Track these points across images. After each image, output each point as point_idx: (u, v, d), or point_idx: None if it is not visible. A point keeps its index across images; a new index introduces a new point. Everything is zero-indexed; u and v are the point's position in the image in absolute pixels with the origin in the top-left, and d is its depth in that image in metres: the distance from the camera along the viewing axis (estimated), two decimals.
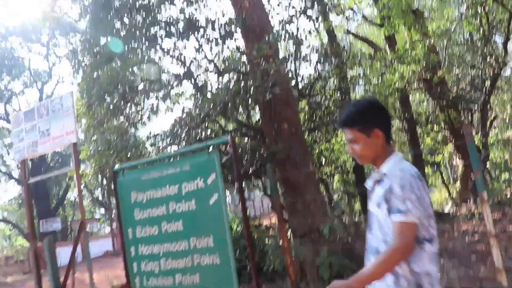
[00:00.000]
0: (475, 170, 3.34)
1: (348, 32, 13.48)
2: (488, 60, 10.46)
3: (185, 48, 8.61)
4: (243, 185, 9.17)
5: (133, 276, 4.99)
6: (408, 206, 1.92)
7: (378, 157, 2.13)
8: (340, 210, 8.93)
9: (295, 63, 8.03)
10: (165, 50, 8.29)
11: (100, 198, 32.77)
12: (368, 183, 2.22)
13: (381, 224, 2.04)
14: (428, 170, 13.83)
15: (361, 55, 8.95)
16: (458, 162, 11.94)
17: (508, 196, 10.03)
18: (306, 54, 8.07)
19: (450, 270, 4.63)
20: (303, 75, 9.11)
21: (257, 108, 7.52)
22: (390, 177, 2.03)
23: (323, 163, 10.83)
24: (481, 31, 10.30)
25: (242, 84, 6.55)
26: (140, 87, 7.43)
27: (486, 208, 3.31)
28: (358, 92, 11.45)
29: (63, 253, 11.15)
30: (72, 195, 34.52)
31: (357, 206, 11.27)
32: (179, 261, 4.59)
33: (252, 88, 5.97)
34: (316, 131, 9.57)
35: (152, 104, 7.96)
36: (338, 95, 9.78)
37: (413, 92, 12.65)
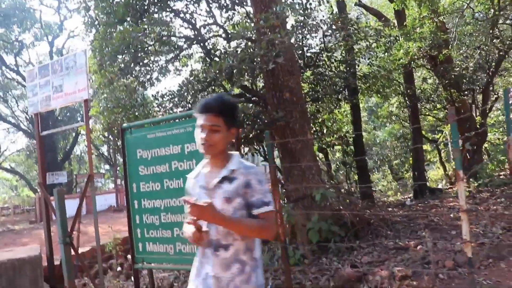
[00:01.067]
0: (454, 150, 3.62)
1: (359, 3, 13.43)
2: (494, 41, 10.55)
3: (196, 12, 8.71)
4: (245, 149, 9.53)
5: (135, 227, 5.37)
6: (270, 197, 2.17)
7: (223, 152, 2.23)
8: (336, 179, 9.23)
9: (302, 33, 8.20)
10: (177, 11, 8.46)
11: (106, 154, 33.31)
12: (208, 180, 2.23)
13: None
14: (427, 147, 14.10)
15: (369, 29, 9.07)
16: (459, 141, 12.15)
17: (502, 177, 10.33)
18: (314, 25, 8.23)
19: (429, 242, 4.96)
20: (309, 45, 9.22)
21: (262, 75, 7.74)
22: (244, 173, 2.16)
23: (325, 132, 11.11)
24: (491, 12, 10.33)
25: (249, 51, 6.76)
26: (151, 48, 7.65)
27: (460, 185, 3.60)
28: (363, 65, 11.56)
29: (69, 206, 11.56)
30: (79, 149, 35.11)
31: (353, 176, 11.61)
32: (178, 216, 4.94)
33: (257, 57, 6.19)
34: (320, 101, 9.78)
35: (161, 65, 8.20)
36: (343, 67, 9.94)
37: (417, 69, 12.75)
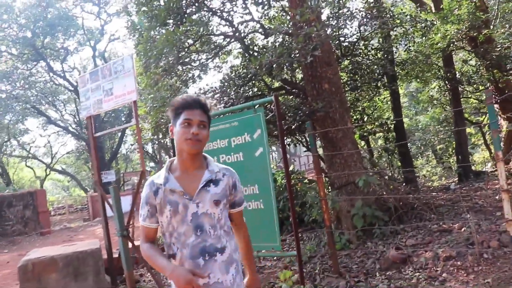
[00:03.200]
0: (493, 131, 3.72)
1: None
2: None
3: (232, 9, 8.96)
4: (288, 140, 9.75)
5: None
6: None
7: (201, 152, 2.21)
8: (378, 165, 9.33)
9: (338, 24, 8.33)
10: (214, 10, 8.75)
11: (150, 152, 34.25)
12: (188, 185, 2.14)
13: (216, 222, 2.14)
14: (470, 130, 13.85)
15: (404, 15, 9.07)
16: (502, 122, 11.94)
17: None
18: (349, 15, 8.34)
19: (472, 223, 5.05)
20: (346, 35, 9.31)
21: (300, 67, 7.91)
22: (228, 175, 2.23)
23: (365, 120, 11.18)
24: None
25: (286, 46, 6.97)
26: (192, 48, 7.97)
27: (500, 166, 3.71)
28: (401, 51, 11.51)
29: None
30: (124, 148, 36.25)
31: (396, 162, 11.62)
32: None
33: (295, 51, 6.39)
34: (359, 89, 9.87)
35: (202, 62, 8.51)
36: (381, 54, 9.97)
37: (457, 51, 12.55)
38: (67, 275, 6.38)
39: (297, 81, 9.11)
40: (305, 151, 10.42)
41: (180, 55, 7.35)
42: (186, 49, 7.65)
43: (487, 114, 14.22)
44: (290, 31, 7.15)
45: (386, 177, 7.83)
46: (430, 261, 4.82)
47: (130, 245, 6.93)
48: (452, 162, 14.29)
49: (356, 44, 9.25)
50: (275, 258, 6.67)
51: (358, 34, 9.12)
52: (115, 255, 7.34)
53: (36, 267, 6.25)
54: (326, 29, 7.21)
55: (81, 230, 18.26)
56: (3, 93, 27.36)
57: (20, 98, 27.06)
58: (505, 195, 3.70)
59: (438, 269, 4.64)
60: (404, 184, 9.57)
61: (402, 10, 9.35)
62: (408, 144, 16.22)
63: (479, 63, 11.73)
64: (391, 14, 8.75)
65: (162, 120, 7.87)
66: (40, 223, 19.09)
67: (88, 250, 6.67)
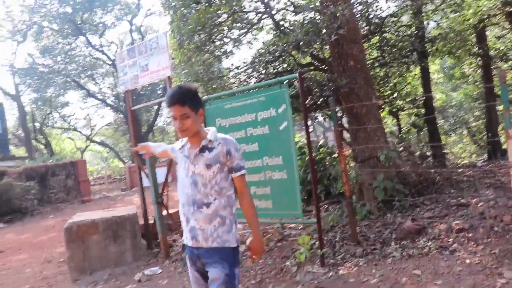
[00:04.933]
0: (505, 110, 3.90)
1: None
2: None
3: None
4: (318, 114, 9.99)
5: None
6: (244, 163, 2.73)
7: (198, 132, 2.66)
8: (404, 141, 9.47)
9: (367, 0, 8.40)
10: None
11: None
12: (191, 151, 2.69)
13: (207, 181, 2.62)
14: (501, 107, 13.61)
15: None
16: None
17: None
18: None
19: (484, 197, 5.24)
20: (375, 12, 9.33)
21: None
22: (223, 143, 2.65)
23: (395, 96, 11.23)
24: None
25: (314, 23, 7.16)
26: (224, 25, 8.26)
27: (510, 143, 3.90)
28: (432, 28, 11.42)
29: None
30: (161, 121, 37.14)
31: (425, 138, 11.68)
32: (255, 176, 5.61)
33: (322, 29, 6.60)
34: (388, 66, 9.93)
35: (235, 38, 8.79)
36: (411, 31, 9.97)
37: (491, 27, 12.33)
38: (107, 237, 6.95)
39: (325, 58, 9.28)
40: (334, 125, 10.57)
41: (211, 32, 7.67)
42: (217, 27, 7.94)
43: None
44: (318, 9, 7.33)
45: (407, 152, 7.98)
46: (443, 232, 5.08)
47: (164, 212, 7.45)
48: (482, 139, 14.19)
49: (385, 20, 9.28)
50: (300, 227, 7.05)
51: (388, 11, 9.17)
52: (151, 222, 7.87)
53: (79, 229, 6.84)
54: (354, 6, 7.37)
55: (119, 199, 19.12)
56: (45, 68, 28.42)
57: (61, 72, 28.09)
58: None
59: (450, 240, 4.90)
60: (431, 160, 9.70)
61: None
62: (441, 120, 16.15)
63: None
64: None
65: None
66: (81, 192, 20.11)
67: (126, 215, 7.22)
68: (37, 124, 33.81)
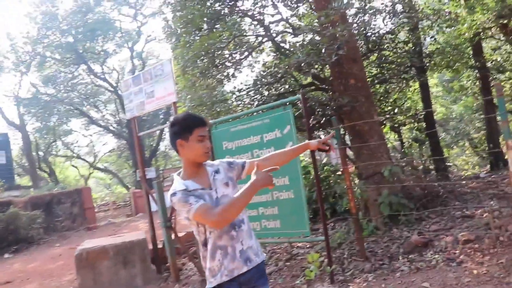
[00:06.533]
0: (503, 121, 4.03)
1: None
2: None
3: (263, 10, 9.41)
4: (321, 133, 10.12)
5: None
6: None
7: None
8: (409, 155, 9.59)
9: (363, 20, 8.62)
10: (245, 11, 9.20)
11: None
12: (203, 180, 2.55)
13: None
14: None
15: (428, 9, 9.25)
16: None
17: None
18: (374, 11, 8.61)
19: (489, 208, 5.34)
20: (372, 30, 9.55)
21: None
22: (220, 163, 2.68)
23: (396, 111, 11.39)
24: None
25: (314, 44, 7.36)
26: (226, 49, 8.48)
27: (510, 154, 4.02)
28: (429, 42, 11.65)
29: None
30: (163, 146, 37.30)
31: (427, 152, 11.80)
32: (262, 196, 5.72)
33: (322, 49, 6.79)
34: (388, 82, 10.11)
35: (236, 62, 8.99)
36: (408, 47, 10.17)
37: (487, 39, 12.56)
38: (117, 262, 7.03)
39: (326, 77, 9.47)
40: (336, 143, 10.71)
41: (215, 58, 7.88)
42: (220, 51, 8.15)
43: None
44: (317, 30, 7.52)
45: (410, 167, 8.09)
46: (449, 244, 5.16)
47: (173, 236, 7.52)
48: (482, 150, 14.31)
49: (383, 38, 9.49)
50: (307, 245, 7.12)
51: (385, 29, 9.38)
52: (159, 246, 7.94)
53: (90, 255, 6.93)
54: (353, 26, 7.57)
55: (125, 225, 19.12)
56: (48, 97, 28.77)
57: (64, 100, 28.41)
58: None
59: (456, 251, 4.98)
60: (434, 173, 9.80)
61: (426, 4, 9.51)
62: (442, 133, 16.28)
63: (510, 50, 11.73)
64: (415, 9, 8.95)
65: None
66: (86, 219, 20.11)
67: (135, 240, 7.31)
68: (41, 153, 34.01)
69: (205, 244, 2.58)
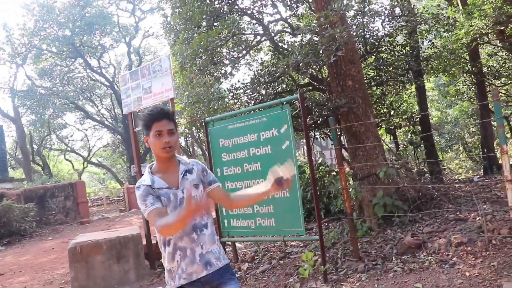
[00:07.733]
0: (498, 126, 4.09)
1: None
2: None
3: (262, 9, 9.44)
4: (317, 134, 10.17)
5: (220, 206, 6.25)
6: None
7: (174, 154, 2.59)
8: (404, 158, 9.65)
9: (362, 23, 8.68)
10: (244, 9, 9.22)
11: (184, 146, 35.16)
12: (172, 179, 2.54)
13: (198, 202, 2.40)
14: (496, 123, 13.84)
15: (427, 14, 9.30)
16: None
17: None
18: (373, 14, 8.68)
19: (482, 211, 5.39)
20: (371, 32, 9.61)
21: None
22: (196, 164, 2.65)
23: (392, 114, 11.44)
24: None
25: (312, 44, 7.38)
26: (224, 47, 8.48)
27: (505, 158, 4.08)
28: (427, 46, 11.72)
29: None
30: None
31: (422, 155, 11.88)
32: None
33: (320, 50, 6.81)
34: (385, 84, 10.16)
35: (234, 60, 9.01)
36: (406, 50, 10.22)
37: (483, 45, 12.65)
38: (110, 257, 7.03)
39: (324, 78, 9.51)
40: (332, 144, 10.77)
41: (213, 55, 7.89)
42: (219, 47, 8.16)
43: None
44: (316, 30, 7.55)
45: (405, 169, 8.15)
46: (442, 246, 5.21)
47: None
48: (477, 155, 14.42)
49: (382, 40, 9.54)
50: (301, 244, 7.16)
51: (383, 31, 9.42)
52: (153, 242, 7.94)
53: (83, 249, 6.92)
54: (351, 28, 7.61)
55: (118, 220, 19.11)
56: (44, 90, 28.65)
57: (60, 94, 28.30)
58: (509, 185, 4.07)
59: (449, 253, 5.03)
60: (428, 176, 9.87)
61: (424, 8, 9.56)
62: (437, 137, 16.37)
63: (505, 56, 11.82)
64: (414, 13, 9.01)
65: (196, 115, 8.43)
66: (80, 213, 20.08)
67: (129, 235, 7.31)
68: (35, 146, 33.87)
69: (166, 244, 2.57)
